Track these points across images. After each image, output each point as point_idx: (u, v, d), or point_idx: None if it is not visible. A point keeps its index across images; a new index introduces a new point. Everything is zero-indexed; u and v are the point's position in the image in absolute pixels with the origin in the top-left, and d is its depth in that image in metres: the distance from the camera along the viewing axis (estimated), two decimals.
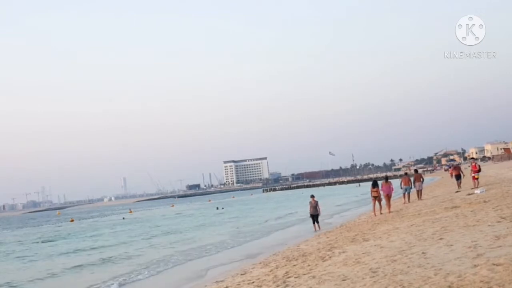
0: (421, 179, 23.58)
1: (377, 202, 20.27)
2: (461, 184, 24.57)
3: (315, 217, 21.12)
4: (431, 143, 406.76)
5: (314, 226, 21.09)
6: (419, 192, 23.21)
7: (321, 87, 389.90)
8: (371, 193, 20.49)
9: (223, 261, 15.76)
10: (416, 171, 27.18)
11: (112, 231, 38.42)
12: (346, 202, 44.75)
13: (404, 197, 22.91)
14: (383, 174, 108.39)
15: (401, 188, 23.02)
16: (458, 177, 25.07)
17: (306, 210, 24.42)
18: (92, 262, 19.71)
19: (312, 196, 21.35)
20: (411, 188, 23.10)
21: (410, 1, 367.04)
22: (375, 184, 20.41)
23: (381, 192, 20.26)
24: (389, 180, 21.26)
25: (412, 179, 23.85)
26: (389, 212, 19.69)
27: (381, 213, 19.93)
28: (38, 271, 18.58)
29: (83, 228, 47.70)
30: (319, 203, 21.37)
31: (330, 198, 57.54)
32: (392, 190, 20.58)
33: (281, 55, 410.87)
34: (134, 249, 22.66)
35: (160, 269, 15.99)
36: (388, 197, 20.25)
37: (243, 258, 15.86)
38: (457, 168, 26.97)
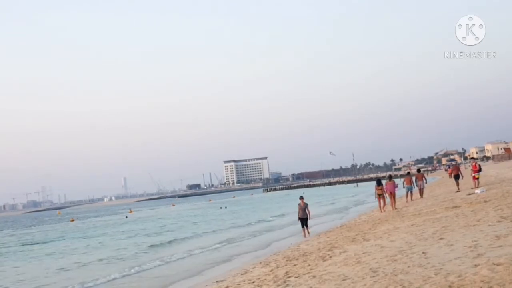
0: (423, 179, 24.42)
1: (382, 200, 21.11)
2: (460, 185, 23.68)
3: (304, 220, 19.00)
4: (431, 143, 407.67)
5: (304, 230, 19.09)
6: (421, 191, 23.96)
7: (321, 87, 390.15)
8: (375, 191, 21.30)
9: None
10: (418, 170, 28.26)
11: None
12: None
13: (407, 196, 23.63)
14: (383, 174, 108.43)
15: (404, 187, 23.67)
16: (457, 177, 24.20)
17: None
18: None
19: (301, 198, 19.32)
20: (413, 187, 23.84)
21: (410, 1, 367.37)
22: (379, 183, 21.23)
23: (385, 190, 21.03)
24: (392, 179, 21.77)
25: (414, 178, 24.53)
26: (394, 209, 20.37)
27: (384, 211, 20.58)
28: None
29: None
30: (308, 205, 19.38)
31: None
32: (396, 187, 21.26)
33: (281, 55, 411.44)
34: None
35: None
36: (392, 194, 20.91)
37: None
38: (456, 168, 25.95)
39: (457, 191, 22.36)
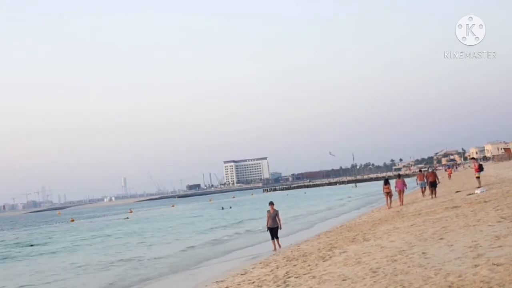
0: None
1: (389, 197, 22.59)
2: (436, 193, 22.47)
3: (274, 230, 15.98)
4: (431, 143, 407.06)
5: (274, 242, 16.07)
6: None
7: (320, 86, 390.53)
8: (383, 190, 22.90)
9: None
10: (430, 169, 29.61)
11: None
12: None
13: (422, 191, 25.36)
14: (383, 174, 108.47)
15: (417, 184, 26.00)
16: (433, 184, 22.43)
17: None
18: None
19: (271, 204, 16.13)
20: (426, 183, 25.07)
21: (410, 0, 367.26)
22: (386, 182, 22.98)
23: (393, 188, 22.63)
24: (402, 177, 23.67)
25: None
26: (402, 205, 21.78)
27: (391, 207, 21.91)
28: None
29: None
30: (279, 212, 16.34)
31: None
32: (405, 186, 22.84)
33: (281, 54, 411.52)
34: None
35: None
36: (401, 192, 22.47)
37: None
38: (432, 174, 23.66)
39: (432, 197, 22.11)
